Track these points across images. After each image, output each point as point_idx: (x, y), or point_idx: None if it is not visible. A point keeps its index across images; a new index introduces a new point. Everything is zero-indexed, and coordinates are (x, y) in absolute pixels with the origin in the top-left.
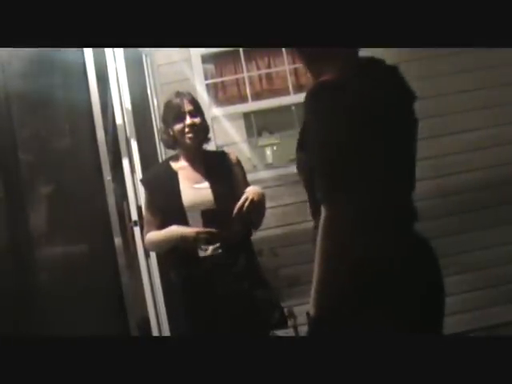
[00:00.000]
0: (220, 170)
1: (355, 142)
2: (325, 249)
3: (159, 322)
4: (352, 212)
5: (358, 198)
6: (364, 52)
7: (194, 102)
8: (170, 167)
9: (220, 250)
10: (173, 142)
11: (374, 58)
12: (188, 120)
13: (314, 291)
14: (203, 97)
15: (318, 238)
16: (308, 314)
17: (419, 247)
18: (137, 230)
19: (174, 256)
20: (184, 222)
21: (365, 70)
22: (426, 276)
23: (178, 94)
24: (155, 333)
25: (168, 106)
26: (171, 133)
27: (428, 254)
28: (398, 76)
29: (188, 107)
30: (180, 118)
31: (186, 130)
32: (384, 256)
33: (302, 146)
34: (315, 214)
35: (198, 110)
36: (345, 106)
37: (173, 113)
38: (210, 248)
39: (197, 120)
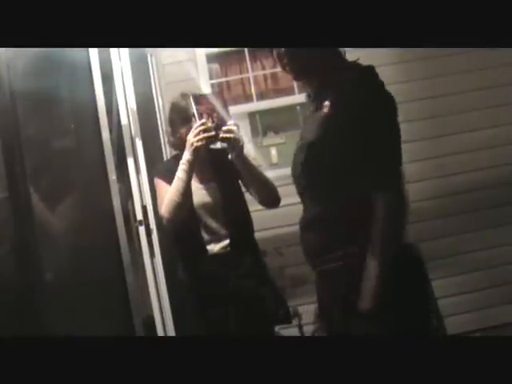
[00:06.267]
0: (226, 167)
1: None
2: (393, 235)
3: (164, 322)
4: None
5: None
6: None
7: None
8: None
9: (228, 248)
10: (180, 144)
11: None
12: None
13: (375, 284)
14: None
15: (381, 227)
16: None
17: (403, 249)
18: (142, 229)
19: (181, 255)
20: (194, 221)
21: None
22: (411, 277)
23: (184, 96)
24: (160, 333)
25: (174, 108)
26: (178, 135)
27: (412, 255)
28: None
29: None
30: (187, 120)
31: None
32: None
33: (321, 150)
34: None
35: None
36: None
37: (180, 115)
38: (218, 246)
39: None
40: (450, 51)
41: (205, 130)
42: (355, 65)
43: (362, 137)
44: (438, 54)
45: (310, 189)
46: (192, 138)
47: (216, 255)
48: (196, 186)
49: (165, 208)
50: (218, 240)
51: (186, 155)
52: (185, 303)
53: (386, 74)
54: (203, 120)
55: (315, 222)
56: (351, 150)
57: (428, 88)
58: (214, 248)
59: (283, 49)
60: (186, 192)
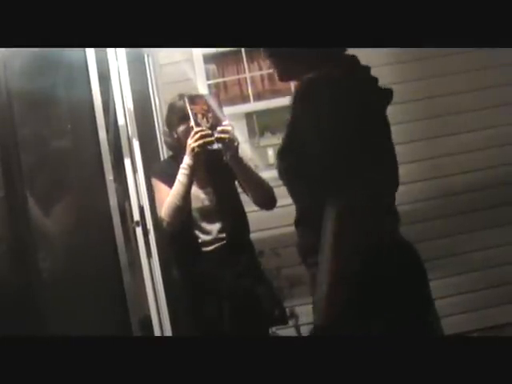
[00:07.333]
0: (222, 168)
1: (356, 135)
2: (343, 244)
3: (161, 322)
4: (364, 200)
5: (366, 187)
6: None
7: None
8: (176, 167)
9: (225, 248)
10: (177, 144)
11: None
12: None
13: (325, 296)
14: None
15: (330, 237)
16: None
17: (403, 249)
18: (138, 230)
19: (177, 255)
20: (191, 221)
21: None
22: (410, 278)
23: (181, 97)
24: (157, 333)
25: (171, 108)
26: (175, 136)
27: (412, 256)
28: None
29: None
30: (184, 120)
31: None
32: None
33: (288, 151)
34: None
35: None
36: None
37: (177, 116)
38: (214, 246)
39: None
40: (447, 51)
41: (205, 135)
42: (341, 62)
43: (330, 137)
44: (435, 55)
45: (293, 189)
46: (193, 143)
47: (212, 255)
48: (193, 187)
49: (165, 211)
50: (215, 240)
51: (187, 160)
52: (181, 302)
53: (382, 74)
54: (202, 127)
55: (302, 221)
56: (326, 148)
57: (425, 88)
58: (209, 248)
59: (273, 52)
60: (187, 195)
